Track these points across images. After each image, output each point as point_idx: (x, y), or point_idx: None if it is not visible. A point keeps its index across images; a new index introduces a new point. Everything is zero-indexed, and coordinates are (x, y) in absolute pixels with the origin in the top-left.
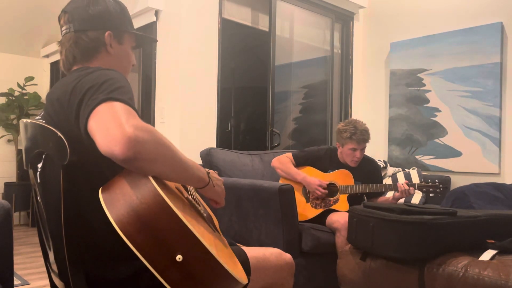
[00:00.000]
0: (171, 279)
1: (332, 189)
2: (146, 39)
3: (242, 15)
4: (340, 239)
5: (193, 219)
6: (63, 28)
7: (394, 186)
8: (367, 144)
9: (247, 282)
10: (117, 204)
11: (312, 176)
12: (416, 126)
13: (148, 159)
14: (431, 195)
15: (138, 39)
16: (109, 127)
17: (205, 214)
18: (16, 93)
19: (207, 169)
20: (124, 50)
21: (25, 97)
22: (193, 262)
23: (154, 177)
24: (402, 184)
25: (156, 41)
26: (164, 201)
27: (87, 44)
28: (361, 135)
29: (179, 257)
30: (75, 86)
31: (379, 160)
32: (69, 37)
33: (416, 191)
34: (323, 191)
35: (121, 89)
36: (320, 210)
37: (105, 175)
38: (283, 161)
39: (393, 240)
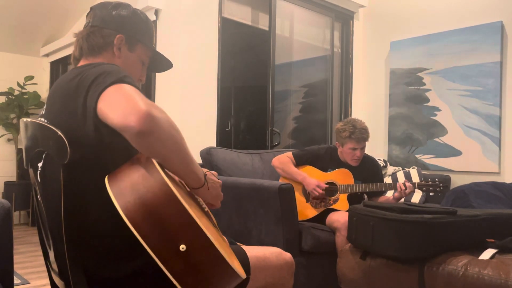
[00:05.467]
0: (174, 269)
1: (332, 188)
2: (159, 58)
3: (242, 14)
4: (340, 239)
5: (197, 211)
6: (85, 22)
7: (393, 186)
8: (367, 143)
9: (246, 276)
10: (124, 191)
11: (312, 177)
12: (416, 125)
13: (160, 138)
14: (431, 194)
15: (151, 58)
16: (122, 103)
17: (206, 209)
18: (16, 92)
19: (206, 170)
20: (132, 58)
21: (25, 96)
22: (196, 253)
23: (161, 167)
24: (403, 183)
25: (171, 66)
26: (171, 191)
27: (97, 39)
28: (360, 134)
29: (182, 247)
30: (80, 79)
31: (379, 159)
32: (84, 30)
33: (416, 190)
34: (321, 191)
35: (128, 78)
36: (320, 210)
37: (109, 171)
38: (283, 161)
39: (393, 239)
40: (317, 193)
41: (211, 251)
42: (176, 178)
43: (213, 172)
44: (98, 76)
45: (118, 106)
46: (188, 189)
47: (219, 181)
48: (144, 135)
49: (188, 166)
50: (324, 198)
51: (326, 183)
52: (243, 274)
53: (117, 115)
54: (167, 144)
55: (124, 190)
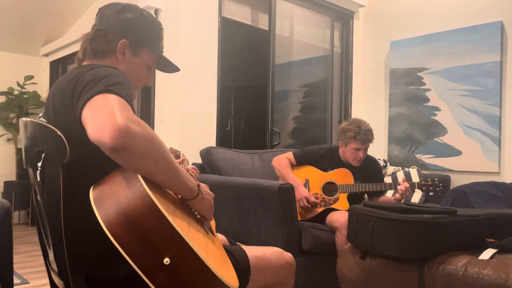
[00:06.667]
0: (159, 283)
1: (332, 188)
2: (166, 62)
3: (242, 14)
4: (340, 238)
5: (184, 221)
6: (94, 23)
7: (393, 185)
8: None
9: (237, 286)
10: (106, 203)
11: (312, 178)
12: (416, 125)
13: (137, 153)
14: (431, 193)
15: (157, 61)
16: (101, 115)
17: (199, 216)
18: (16, 92)
19: (198, 182)
20: (137, 64)
21: (25, 96)
22: (181, 266)
23: (144, 178)
24: (401, 183)
25: (178, 70)
26: (153, 202)
27: (100, 44)
28: (365, 135)
29: (166, 260)
30: (77, 81)
31: (379, 159)
32: (90, 33)
33: (416, 190)
34: (306, 204)
35: (120, 84)
36: (320, 209)
37: (106, 173)
38: (282, 163)
39: (393, 239)
40: (302, 204)
41: (197, 263)
42: None
43: (205, 184)
44: (91, 81)
45: (95, 119)
46: (179, 197)
47: (212, 193)
48: (117, 151)
49: (176, 178)
50: (324, 198)
51: (326, 183)
52: (233, 284)
53: (92, 129)
54: (145, 159)
55: (106, 202)
